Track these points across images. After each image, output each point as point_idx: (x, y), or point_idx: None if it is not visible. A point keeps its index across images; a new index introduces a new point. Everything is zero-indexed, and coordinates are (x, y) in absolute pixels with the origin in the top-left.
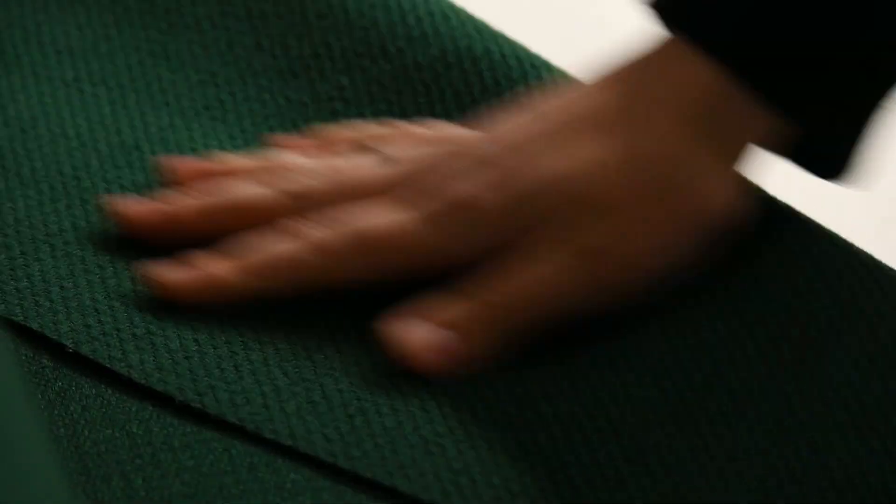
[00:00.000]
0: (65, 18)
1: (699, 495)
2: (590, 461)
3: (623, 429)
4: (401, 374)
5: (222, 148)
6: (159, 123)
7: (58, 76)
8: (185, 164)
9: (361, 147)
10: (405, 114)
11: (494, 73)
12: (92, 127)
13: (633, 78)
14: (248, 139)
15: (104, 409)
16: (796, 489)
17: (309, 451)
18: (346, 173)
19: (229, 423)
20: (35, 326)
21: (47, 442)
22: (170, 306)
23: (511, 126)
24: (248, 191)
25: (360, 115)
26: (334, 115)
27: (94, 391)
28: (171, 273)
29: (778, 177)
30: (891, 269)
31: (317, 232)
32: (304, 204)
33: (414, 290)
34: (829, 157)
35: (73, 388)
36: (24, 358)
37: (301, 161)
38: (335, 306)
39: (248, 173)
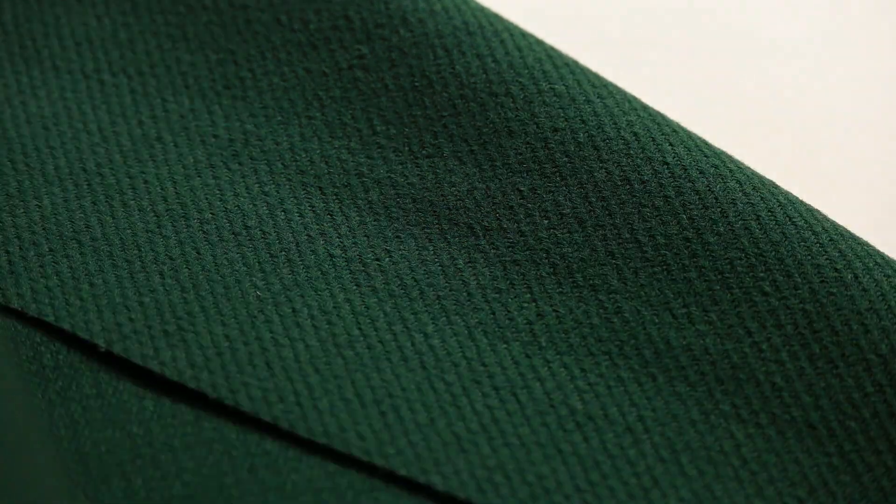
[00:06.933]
0: (83, 9)
1: (733, 498)
2: (623, 461)
3: (655, 428)
4: (432, 370)
5: (244, 129)
6: (180, 110)
7: (78, 68)
8: None
9: None
10: (426, 78)
11: (515, 40)
12: (113, 120)
13: None
14: (270, 115)
15: (104, 409)
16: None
17: (343, 449)
18: None
19: (231, 422)
20: (66, 326)
21: (47, 442)
22: (198, 299)
23: None
24: None
25: (381, 81)
26: (355, 83)
27: (94, 391)
28: None
29: (777, 175)
30: None
31: None
32: None
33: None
34: None
35: (73, 388)
36: (24, 358)
37: None
38: (366, 301)
39: None
